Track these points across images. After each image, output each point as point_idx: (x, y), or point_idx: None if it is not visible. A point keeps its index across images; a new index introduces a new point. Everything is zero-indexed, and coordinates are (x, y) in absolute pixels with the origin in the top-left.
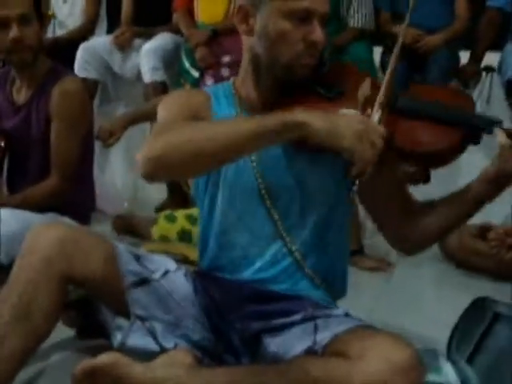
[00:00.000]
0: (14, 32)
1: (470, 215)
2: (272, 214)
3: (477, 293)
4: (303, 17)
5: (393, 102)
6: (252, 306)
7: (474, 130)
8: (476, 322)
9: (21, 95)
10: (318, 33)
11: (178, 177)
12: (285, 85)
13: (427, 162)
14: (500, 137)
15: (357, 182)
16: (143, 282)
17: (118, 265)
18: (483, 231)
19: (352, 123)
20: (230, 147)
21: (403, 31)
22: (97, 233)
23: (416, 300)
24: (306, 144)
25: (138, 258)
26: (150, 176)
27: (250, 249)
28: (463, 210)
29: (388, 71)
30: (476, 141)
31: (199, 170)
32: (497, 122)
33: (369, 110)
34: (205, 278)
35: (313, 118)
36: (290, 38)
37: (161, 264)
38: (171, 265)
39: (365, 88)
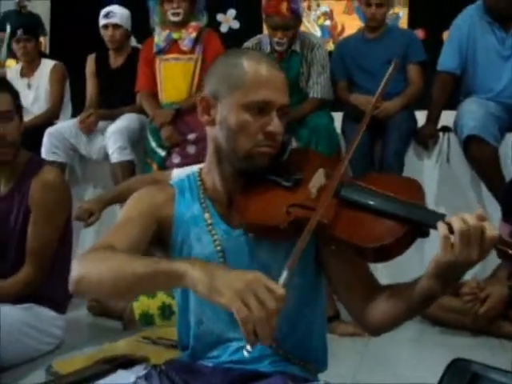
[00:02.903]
0: None
1: (421, 310)
2: None
3: (455, 350)
4: (262, 108)
5: (341, 192)
6: None
7: (420, 226)
8: (455, 383)
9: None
10: (275, 124)
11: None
12: (246, 175)
13: (371, 257)
14: (442, 230)
15: (255, 344)
16: None
17: None
18: (456, 288)
19: (234, 281)
20: (129, 286)
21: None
22: None
23: (396, 361)
24: (272, 236)
25: None
26: (76, 293)
27: (227, 334)
28: (414, 305)
29: (339, 171)
30: (424, 235)
31: (113, 297)
32: (442, 217)
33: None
34: (183, 371)
35: (193, 271)
36: (249, 129)
37: (121, 380)
38: (131, 377)
39: (317, 179)
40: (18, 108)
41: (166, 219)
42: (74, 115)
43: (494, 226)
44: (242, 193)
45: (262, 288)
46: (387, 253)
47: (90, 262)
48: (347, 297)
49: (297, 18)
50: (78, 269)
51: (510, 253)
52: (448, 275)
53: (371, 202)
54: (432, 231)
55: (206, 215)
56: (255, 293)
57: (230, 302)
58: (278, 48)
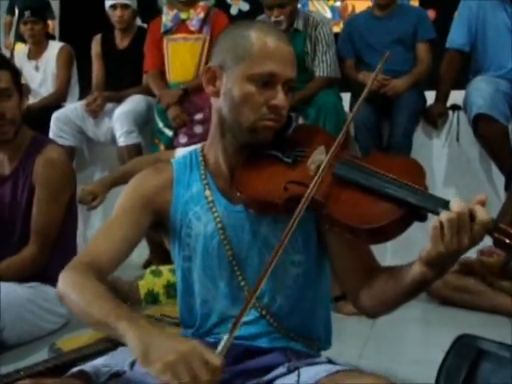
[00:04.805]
0: None
1: (415, 293)
2: (240, 282)
3: (462, 328)
4: (267, 81)
5: (336, 169)
6: (238, 365)
7: (417, 209)
8: (461, 359)
9: (4, 167)
10: (280, 97)
11: None
12: (249, 148)
13: (365, 238)
14: (434, 219)
15: None
16: (115, 375)
17: None
18: (464, 267)
19: (167, 352)
20: (89, 324)
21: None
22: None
23: (403, 341)
24: (268, 210)
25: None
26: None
27: (228, 312)
28: (408, 289)
29: (334, 146)
30: (422, 219)
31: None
32: (444, 203)
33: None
34: None
35: (131, 335)
36: (253, 101)
37: (122, 357)
38: (131, 354)
39: (317, 156)
40: (18, 86)
41: (163, 205)
42: (81, 97)
43: (485, 211)
44: (242, 167)
45: (197, 360)
46: (381, 235)
47: (69, 285)
48: (344, 276)
49: None
50: (61, 284)
51: (507, 242)
52: (440, 262)
53: (367, 182)
54: None
55: (207, 192)
56: (189, 365)
57: (160, 375)
58: (277, 27)
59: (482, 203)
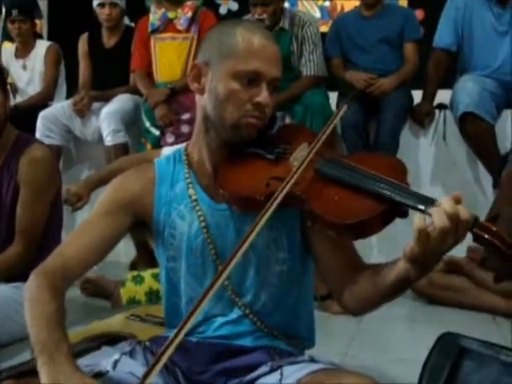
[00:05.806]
0: None
1: (399, 291)
2: (224, 281)
3: (448, 327)
4: (252, 78)
5: (317, 165)
6: (220, 364)
7: (399, 206)
8: (444, 358)
9: None
10: (263, 95)
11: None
12: (232, 146)
13: (345, 233)
14: (418, 219)
15: None
16: (97, 375)
17: None
18: (450, 266)
19: None
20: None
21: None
22: None
23: (389, 339)
24: (250, 207)
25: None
26: None
27: (212, 311)
28: (391, 287)
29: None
30: (403, 215)
31: None
32: (425, 199)
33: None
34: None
35: (44, 369)
36: (237, 98)
37: (105, 357)
38: (115, 354)
39: (300, 153)
40: (3, 84)
41: (145, 206)
42: (68, 96)
43: (466, 210)
44: (224, 164)
45: None
46: (362, 230)
47: (28, 293)
48: (328, 275)
49: None
50: (26, 287)
51: (486, 237)
52: (423, 260)
53: (349, 178)
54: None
55: (191, 191)
56: None
57: None
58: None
59: (459, 201)
